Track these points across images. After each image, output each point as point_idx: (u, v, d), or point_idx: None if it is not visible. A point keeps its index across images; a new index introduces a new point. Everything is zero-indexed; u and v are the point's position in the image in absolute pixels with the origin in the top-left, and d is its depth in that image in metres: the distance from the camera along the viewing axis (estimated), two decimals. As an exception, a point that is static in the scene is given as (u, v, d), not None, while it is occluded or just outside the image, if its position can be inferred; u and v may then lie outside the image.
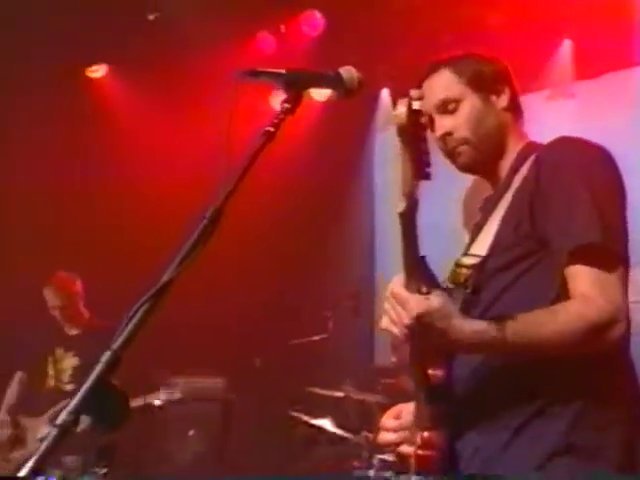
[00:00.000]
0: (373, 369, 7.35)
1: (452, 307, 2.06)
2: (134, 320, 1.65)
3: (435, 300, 2.02)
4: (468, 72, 2.40)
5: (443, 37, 6.55)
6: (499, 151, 2.40)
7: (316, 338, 6.62)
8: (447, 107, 2.38)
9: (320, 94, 7.13)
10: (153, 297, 1.67)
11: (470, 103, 2.38)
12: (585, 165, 2.18)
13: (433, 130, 2.37)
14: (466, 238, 2.48)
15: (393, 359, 6.22)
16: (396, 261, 2.08)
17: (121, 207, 7.38)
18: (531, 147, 2.36)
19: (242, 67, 2.01)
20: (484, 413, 2.19)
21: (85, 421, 1.58)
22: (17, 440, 5.60)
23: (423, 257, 2.08)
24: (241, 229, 4.62)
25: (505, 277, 2.20)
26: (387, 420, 2.40)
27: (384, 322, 2.11)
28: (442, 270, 2.28)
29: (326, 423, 5.72)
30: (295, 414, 6.04)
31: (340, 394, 6.02)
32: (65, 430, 1.54)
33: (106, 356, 1.61)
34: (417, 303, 2.01)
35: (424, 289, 2.04)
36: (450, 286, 2.28)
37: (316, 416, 5.81)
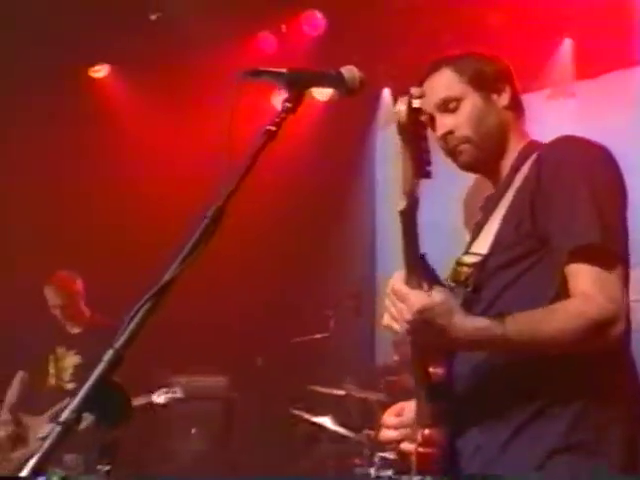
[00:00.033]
0: (374, 367, 7.36)
1: (454, 303, 2.05)
2: (136, 319, 1.65)
3: (437, 295, 2.02)
4: (469, 71, 2.40)
5: (444, 37, 6.56)
6: (500, 150, 2.40)
7: (318, 337, 6.64)
8: (448, 106, 2.38)
9: (322, 93, 7.14)
10: (155, 296, 1.67)
11: (471, 102, 2.38)
12: (587, 164, 2.18)
13: (434, 129, 2.37)
14: (467, 237, 2.48)
15: (395, 357, 6.24)
16: (397, 260, 2.08)
17: (123, 206, 7.39)
18: (532, 146, 2.36)
19: (243, 67, 2.00)
20: (485, 411, 2.19)
21: (88, 419, 1.58)
22: (18, 439, 5.61)
23: (424, 255, 2.09)
24: (243, 228, 4.63)
25: (506, 276, 2.20)
26: (388, 418, 2.40)
27: (385, 319, 2.11)
28: (443, 269, 2.28)
29: (327, 421, 5.72)
30: (296, 412, 6.05)
31: (341, 392, 6.03)
32: (68, 428, 1.55)
33: (109, 354, 1.62)
34: (418, 298, 2.01)
35: (425, 286, 2.04)
36: (451, 285, 2.28)
37: (317, 414, 5.81)
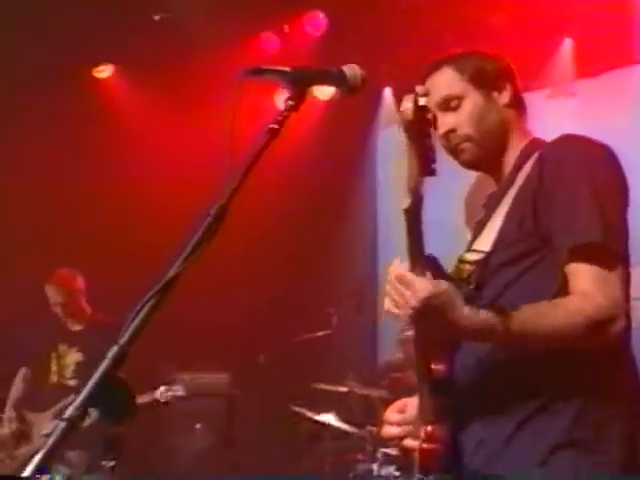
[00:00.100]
0: (376, 365, 7.37)
1: (458, 293, 2.06)
2: (140, 315, 1.66)
3: (443, 283, 2.03)
4: (470, 69, 2.41)
5: (445, 37, 6.56)
6: (502, 147, 2.40)
7: (320, 334, 6.64)
8: (449, 104, 2.39)
9: (323, 93, 7.15)
10: (159, 293, 1.68)
11: (472, 100, 2.39)
12: (588, 163, 2.19)
13: (436, 128, 2.37)
14: (469, 234, 2.49)
15: (399, 355, 6.25)
16: (398, 258, 2.10)
17: (126, 205, 7.41)
18: (535, 144, 2.37)
19: (246, 67, 2.01)
20: (488, 405, 2.19)
21: (92, 415, 1.59)
22: (22, 436, 5.63)
23: (435, 258, 2.10)
24: (245, 226, 4.65)
25: (508, 273, 2.21)
26: (391, 414, 2.41)
27: (386, 304, 2.10)
28: (445, 266, 2.29)
29: (330, 418, 5.72)
30: (299, 409, 6.05)
31: (344, 389, 6.03)
32: (72, 424, 1.56)
33: (113, 351, 1.62)
34: (423, 285, 2.01)
35: (428, 275, 2.04)
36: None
37: (320, 411, 5.82)
